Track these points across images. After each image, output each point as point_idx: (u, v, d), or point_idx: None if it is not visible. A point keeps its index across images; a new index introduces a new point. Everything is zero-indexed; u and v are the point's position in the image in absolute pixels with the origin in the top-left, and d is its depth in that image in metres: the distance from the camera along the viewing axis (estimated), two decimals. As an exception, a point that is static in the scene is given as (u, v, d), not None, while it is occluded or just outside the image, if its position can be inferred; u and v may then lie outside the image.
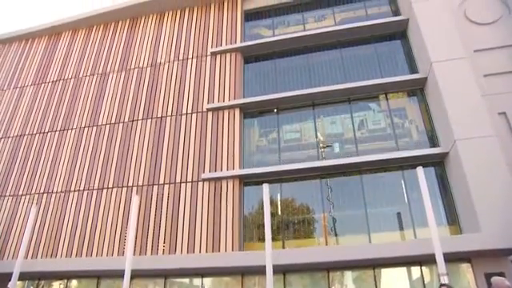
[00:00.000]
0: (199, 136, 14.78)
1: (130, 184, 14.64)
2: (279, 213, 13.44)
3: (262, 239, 12.03)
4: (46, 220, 14.93)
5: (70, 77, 18.39)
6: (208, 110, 15.16)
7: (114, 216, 14.24)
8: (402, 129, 13.93)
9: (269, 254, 9.21)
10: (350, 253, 11.22)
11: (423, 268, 11.12)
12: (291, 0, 16.96)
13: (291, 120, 15.03)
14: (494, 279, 6.50)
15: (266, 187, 10.23)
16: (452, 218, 11.93)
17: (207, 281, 12.85)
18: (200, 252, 12.75)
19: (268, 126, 15.19)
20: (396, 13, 15.63)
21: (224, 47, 16.29)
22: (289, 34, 16.26)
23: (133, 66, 17.38)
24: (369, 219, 12.30)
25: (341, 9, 16.62)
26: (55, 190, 15.49)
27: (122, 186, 14.69)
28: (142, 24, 18.55)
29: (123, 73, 17.39)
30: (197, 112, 15.31)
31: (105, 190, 14.83)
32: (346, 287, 12.06)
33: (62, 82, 18.41)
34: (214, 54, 16.34)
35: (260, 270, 9.80)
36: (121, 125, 16.04)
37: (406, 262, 11.21)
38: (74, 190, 15.20)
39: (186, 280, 13.26)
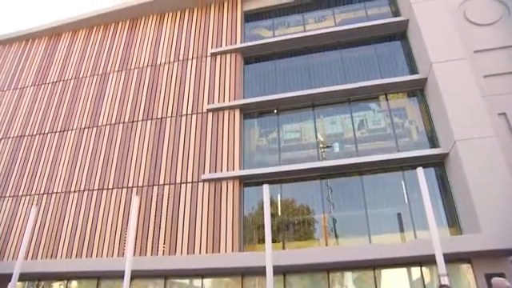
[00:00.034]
0: (199, 137, 14.78)
1: (130, 185, 14.64)
2: (279, 213, 13.43)
3: (262, 241, 12.02)
4: (46, 221, 14.93)
5: (70, 77, 18.39)
6: (208, 110, 15.16)
7: (114, 217, 14.24)
8: (402, 129, 13.93)
9: (269, 254, 9.21)
10: (350, 253, 11.22)
11: (423, 269, 11.11)
12: (291, 0, 16.97)
13: (291, 121, 15.03)
14: (495, 280, 6.49)
15: (266, 188, 10.24)
16: (452, 219, 11.93)
17: (207, 281, 12.84)
18: (200, 253, 12.75)
19: (268, 126, 15.19)
20: (396, 14, 15.64)
21: (224, 48, 16.30)
22: (289, 34, 16.27)
23: (133, 67, 17.39)
24: (369, 220, 12.30)
25: (341, 10, 16.64)
26: (55, 190, 15.49)
27: (122, 187, 14.69)
28: (142, 25, 18.56)
29: (123, 73, 17.39)
30: (197, 113, 15.31)
31: (105, 191, 14.82)
32: (346, 288, 12.07)
33: (62, 82, 18.41)
34: (214, 54, 16.35)
35: (260, 271, 9.80)
36: (121, 125, 16.05)
37: (406, 262, 11.20)
38: (74, 191, 15.20)
39: (186, 281, 13.25)
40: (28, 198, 15.75)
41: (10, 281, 11.04)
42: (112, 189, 14.78)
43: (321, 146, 14.04)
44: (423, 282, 10.94)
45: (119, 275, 10.88)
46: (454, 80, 12.39)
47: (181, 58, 16.81)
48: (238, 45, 16.24)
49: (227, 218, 13.05)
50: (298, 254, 11.81)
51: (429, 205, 9.07)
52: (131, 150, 15.33)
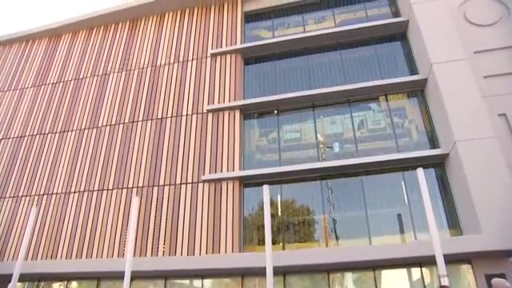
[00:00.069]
0: (199, 137, 14.78)
1: (130, 185, 14.63)
2: (279, 214, 13.43)
3: (262, 242, 12.00)
4: (46, 221, 14.92)
5: (70, 78, 18.40)
6: (208, 111, 15.17)
7: (114, 217, 14.23)
8: (402, 129, 13.93)
9: (269, 255, 9.21)
10: (350, 254, 11.22)
11: (423, 269, 11.11)
12: (291, 1, 16.98)
13: (291, 121, 15.03)
14: (495, 281, 6.50)
15: (266, 188, 10.24)
16: (452, 219, 11.92)
17: (207, 282, 12.84)
18: (200, 253, 12.74)
19: (268, 127, 15.19)
20: (396, 14, 15.65)
21: (224, 49, 16.30)
22: (289, 35, 16.28)
23: (133, 68, 17.39)
24: (369, 220, 12.29)
25: (341, 10, 16.64)
26: (55, 191, 15.49)
27: (122, 188, 14.69)
28: (142, 25, 18.57)
29: (123, 74, 17.40)
30: (197, 113, 15.31)
31: (105, 192, 14.82)
32: (346, 289, 12.07)
33: (62, 83, 18.42)
34: (214, 55, 16.36)
35: (260, 272, 9.79)
36: (121, 126, 16.05)
37: (407, 263, 11.20)
38: (74, 192, 15.20)
39: (186, 281, 13.25)
40: (28, 198, 15.75)
41: (9, 281, 11.04)
42: (112, 189, 14.78)
43: (321, 146, 14.03)
44: (423, 282, 10.94)
45: (119, 276, 10.88)
46: (454, 80, 12.39)
47: (181, 58, 16.82)
48: (238, 45, 16.24)
49: (227, 219, 13.04)
50: (298, 254, 11.81)
51: (429, 205, 9.07)
52: (131, 150, 15.33)
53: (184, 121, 15.30)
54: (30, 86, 19.04)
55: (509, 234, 9.96)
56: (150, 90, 16.47)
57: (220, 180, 13.75)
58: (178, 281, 13.22)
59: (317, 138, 14.23)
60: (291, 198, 13.69)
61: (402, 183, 12.71)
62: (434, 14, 13.74)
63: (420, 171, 9.59)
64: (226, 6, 17.55)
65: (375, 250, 11.11)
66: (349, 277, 12.07)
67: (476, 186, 10.78)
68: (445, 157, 12.40)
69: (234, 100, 15.12)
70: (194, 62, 16.54)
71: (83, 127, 16.63)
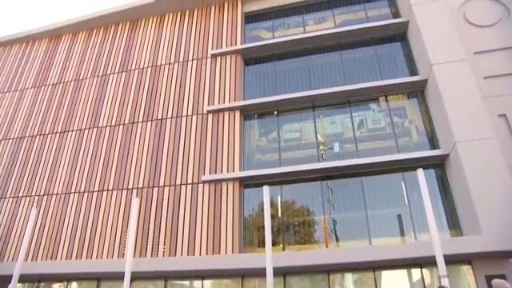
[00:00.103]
0: (199, 138, 14.78)
1: (130, 186, 14.63)
2: (279, 215, 13.43)
3: (262, 244, 11.98)
4: (46, 222, 14.92)
5: (70, 79, 18.41)
6: (208, 112, 15.17)
7: (114, 218, 14.23)
8: (402, 129, 13.93)
9: (269, 256, 9.21)
10: (351, 255, 11.21)
11: (424, 270, 11.11)
12: (291, 2, 16.99)
13: (291, 121, 15.03)
14: (495, 282, 6.50)
15: (266, 189, 10.25)
16: (452, 220, 11.91)
17: (207, 283, 12.83)
18: (200, 254, 12.74)
19: (268, 127, 15.20)
20: (396, 15, 15.66)
21: (224, 49, 16.31)
22: (289, 36, 16.29)
23: (133, 68, 17.40)
24: (369, 221, 12.29)
25: (341, 11, 16.65)
26: (55, 191, 15.48)
27: (122, 188, 14.69)
28: (142, 26, 18.58)
29: (123, 75, 17.41)
30: (197, 114, 15.32)
31: (105, 192, 14.82)
32: (347, 289, 12.06)
33: (62, 84, 18.43)
34: (214, 56, 16.37)
35: (260, 273, 9.80)
36: (121, 127, 16.05)
37: (407, 264, 11.19)
38: (74, 192, 15.19)
39: (187, 282, 13.24)
40: (28, 199, 15.75)
41: (9, 282, 11.04)
42: (112, 190, 14.78)
43: (321, 147, 14.04)
44: (423, 283, 10.93)
45: (119, 276, 10.89)
46: (454, 81, 12.40)
47: (181, 59, 16.83)
48: (238, 46, 16.25)
49: (227, 220, 13.04)
50: (298, 255, 11.80)
51: (429, 206, 9.08)
52: (131, 151, 15.34)
53: (184, 121, 15.31)
54: (30, 86, 19.05)
55: (509, 234, 9.96)
56: (150, 91, 16.48)
57: (220, 181, 13.75)
58: (178, 281, 13.22)
59: (317, 139, 14.23)
60: (291, 199, 13.69)
61: (402, 184, 12.71)
62: (433, 15, 13.75)
63: (420, 172, 9.60)
64: (226, 7, 17.56)
65: (375, 251, 11.11)
66: (349, 277, 12.06)
67: (476, 187, 10.78)
68: (445, 157, 12.40)
69: (234, 101, 15.12)
70: (194, 62, 16.54)
71: (83, 128, 16.63)
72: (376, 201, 12.74)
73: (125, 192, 14.60)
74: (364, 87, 14.05)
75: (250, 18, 17.56)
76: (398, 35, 15.29)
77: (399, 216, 12.35)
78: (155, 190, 14.27)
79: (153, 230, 13.57)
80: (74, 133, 16.66)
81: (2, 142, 17.76)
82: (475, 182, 10.85)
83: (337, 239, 12.60)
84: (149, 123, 15.71)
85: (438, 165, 12.71)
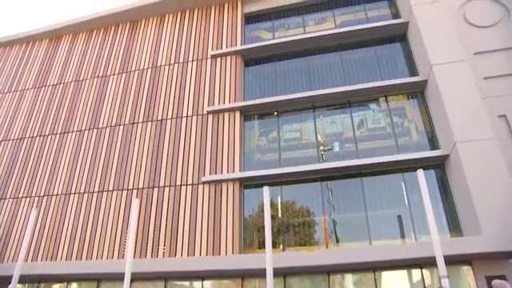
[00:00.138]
0: (199, 139, 14.78)
1: (131, 187, 14.63)
2: (279, 215, 13.42)
3: (262, 245, 11.95)
4: (46, 223, 14.92)
5: (70, 80, 18.42)
6: (208, 112, 15.17)
7: (114, 219, 14.22)
8: (402, 129, 13.93)
9: (269, 256, 9.20)
10: (351, 255, 11.21)
11: (424, 271, 11.10)
12: (291, 2, 17.00)
13: (291, 122, 15.03)
14: (495, 282, 6.50)
15: (266, 190, 10.25)
16: (452, 221, 11.91)
17: (207, 284, 12.82)
18: (200, 255, 12.73)
19: (268, 128, 15.20)
20: (396, 16, 15.66)
21: (224, 50, 16.31)
22: (289, 36, 16.30)
23: (133, 69, 17.41)
24: (369, 222, 12.28)
25: (341, 11, 16.66)
26: (55, 192, 15.48)
27: (123, 189, 14.68)
28: (142, 27, 18.59)
29: (123, 76, 17.41)
30: (197, 115, 15.32)
31: (105, 193, 14.82)
32: (347, 290, 12.05)
33: (62, 85, 18.43)
34: (214, 56, 16.37)
35: (260, 273, 9.79)
36: (121, 127, 16.06)
37: (407, 264, 11.18)
38: (74, 193, 15.19)
39: (187, 283, 13.24)
40: (28, 199, 15.75)
41: (9, 283, 11.03)
42: (112, 191, 14.78)
43: (321, 148, 14.04)
44: (424, 284, 10.92)
45: (119, 277, 10.88)
46: (454, 82, 12.40)
47: (181, 60, 16.84)
48: (239, 47, 16.25)
49: (227, 220, 13.03)
50: (298, 255, 11.80)
51: (429, 207, 9.07)
52: (131, 152, 15.34)
53: (184, 122, 15.31)
54: (30, 87, 19.06)
55: (509, 235, 9.95)
56: (150, 92, 16.48)
57: (220, 181, 13.74)
58: (178, 282, 13.21)
59: (317, 139, 14.23)
60: (291, 200, 13.69)
61: (402, 184, 12.71)
62: (433, 16, 13.75)
63: (420, 172, 9.59)
64: (226, 8, 17.57)
65: (375, 252, 11.10)
66: (349, 278, 12.05)
67: (476, 188, 10.78)
68: (445, 158, 12.40)
69: (234, 101, 15.12)
70: (194, 63, 16.55)
71: (83, 129, 16.64)
72: (376, 201, 12.74)
73: (125, 193, 14.59)
74: (364, 88, 14.05)
75: (250, 19, 17.57)
76: (398, 36, 15.30)
77: (399, 217, 12.35)
78: (155, 190, 14.27)
79: (153, 231, 13.57)
80: (74, 133, 16.67)
81: (2, 142, 17.76)
82: (475, 183, 10.84)
83: (337, 240, 12.60)
84: (149, 124, 15.72)
85: (438, 165, 12.70)
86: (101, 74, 17.91)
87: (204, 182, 13.88)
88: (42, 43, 20.45)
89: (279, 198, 13.63)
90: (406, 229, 12.09)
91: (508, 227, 10.05)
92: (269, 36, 17.01)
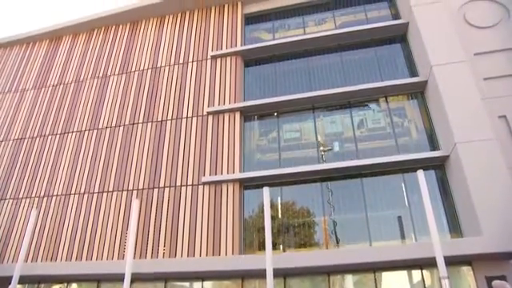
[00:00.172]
0: (199, 139, 14.78)
1: (131, 187, 14.63)
2: (279, 216, 13.42)
3: (262, 246, 11.93)
4: (46, 223, 14.91)
5: (70, 80, 18.42)
6: (208, 113, 15.17)
7: (114, 219, 14.22)
8: (402, 129, 13.93)
9: (269, 257, 9.19)
10: (351, 256, 11.20)
11: (424, 271, 11.09)
12: (291, 3, 17.01)
13: (291, 123, 15.03)
14: (495, 283, 6.50)
15: (266, 190, 10.23)
16: (453, 221, 11.91)
17: (207, 284, 12.81)
18: (200, 255, 12.73)
19: (268, 128, 15.20)
20: (396, 16, 15.67)
21: (224, 51, 16.32)
22: (289, 37, 16.30)
23: (133, 70, 17.41)
24: (369, 223, 12.28)
25: (341, 12, 16.67)
26: (55, 193, 15.48)
27: (123, 190, 14.68)
28: (142, 28, 18.60)
29: (124, 76, 17.42)
30: (197, 115, 15.32)
31: (105, 194, 14.82)
32: (347, 291, 12.05)
33: (62, 85, 18.44)
34: (214, 57, 16.38)
35: (260, 274, 9.78)
36: (121, 128, 16.06)
37: (407, 265, 11.17)
38: (75, 194, 15.19)
39: (187, 283, 13.22)
40: (28, 200, 15.75)
41: (9, 283, 11.02)
42: (112, 191, 14.78)
43: (321, 148, 14.04)
44: (424, 284, 10.91)
45: (119, 278, 10.85)
46: (454, 82, 12.40)
47: (181, 60, 16.84)
48: (239, 47, 16.26)
49: (227, 221, 13.03)
50: (299, 256, 11.79)
51: (429, 207, 9.06)
52: (131, 152, 15.34)
53: (184, 123, 15.31)
54: (30, 88, 19.06)
55: (509, 236, 9.95)
56: (150, 93, 16.49)
57: (220, 182, 13.74)
58: (178, 283, 13.20)
59: (317, 139, 14.23)
60: (291, 200, 13.69)
61: (403, 185, 12.71)
62: (433, 16, 13.76)
63: (420, 173, 9.58)
64: (226, 8, 17.59)
65: (375, 252, 11.10)
66: (349, 279, 12.04)
67: (476, 188, 10.78)
68: (445, 159, 12.40)
69: (235, 102, 15.12)
70: (194, 64, 16.56)
71: (83, 129, 16.64)
72: (376, 202, 12.73)
73: (125, 193, 14.59)
74: (364, 88, 14.06)
75: (250, 20, 17.58)
76: (398, 36, 15.30)
77: (399, 217, 12.34)
78: (155, 191, 14.27)
79: (153, 232, 13.56)
80: (74, 134, 16.67)
81: (3, 143, 17.76)
82: (475, 183, 10.84)
83: (337, 240, 12.59)
84: (149, 125, 15.72)
85: (438, 166, 12.70)
86: (101, 75, 17.92)
87: (204, 183, 13.88)
88: (42, 44, 20.46)
89: (279, 198, 13.63)
90: (406, 229, 12.09)
91: (508, 228, 10.05)
92: (269, 37, 17.02)
